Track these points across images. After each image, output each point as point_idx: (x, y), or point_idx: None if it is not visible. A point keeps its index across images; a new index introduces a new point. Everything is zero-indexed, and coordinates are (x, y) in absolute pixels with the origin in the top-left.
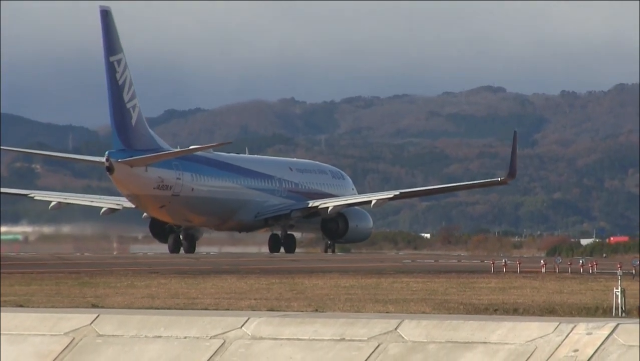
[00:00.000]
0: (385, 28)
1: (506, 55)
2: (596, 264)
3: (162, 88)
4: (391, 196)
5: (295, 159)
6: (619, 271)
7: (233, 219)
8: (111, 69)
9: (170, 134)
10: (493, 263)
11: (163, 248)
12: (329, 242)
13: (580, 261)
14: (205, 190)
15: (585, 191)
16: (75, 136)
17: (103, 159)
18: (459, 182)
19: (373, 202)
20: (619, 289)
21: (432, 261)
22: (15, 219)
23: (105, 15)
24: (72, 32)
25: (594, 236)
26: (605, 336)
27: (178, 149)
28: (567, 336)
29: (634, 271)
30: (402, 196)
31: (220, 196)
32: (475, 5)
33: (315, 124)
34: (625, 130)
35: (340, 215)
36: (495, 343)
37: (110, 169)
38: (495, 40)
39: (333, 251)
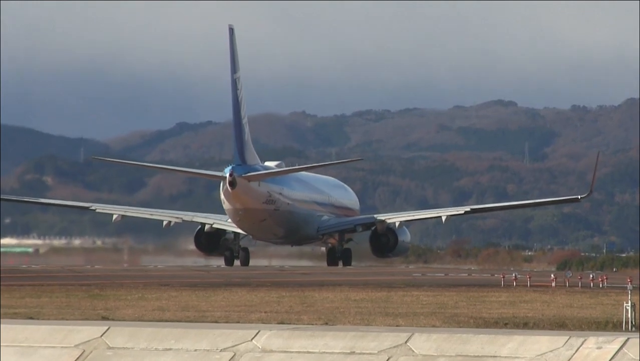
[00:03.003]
0: (395, 41)
1: (517, 69)
2: (606, 278)
3: (173, 101)
4: (462, 212)
5: (323, 176)
6: (629, 286)
7: (299, 232)
8: (234, 86)
9: (182, 147)
10: (503, 277)
11: (174, 261)
12: (337, 255)
13: (591, 275)
14: (295, 204)
15: (595, 205)
16: (87, 148)
17: (220, 174)
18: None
19: (444, 218)
20: (629, 304)
21: (442, 274)
22: (26, 231)
23: (232, 32)
24: (82, 43)
25: (605, 250)
26: (616, 350)
27: (297, 166)
28: (577, 351)
29: None
30: (473, 211)
31: (302, 211)
32: (485, 20)
33: (326, 137)
34: (635, 144)
35: (390, 230)
36: (505, 357)
37: (232, 183)
38: (506, 54)
39: (337, 264)
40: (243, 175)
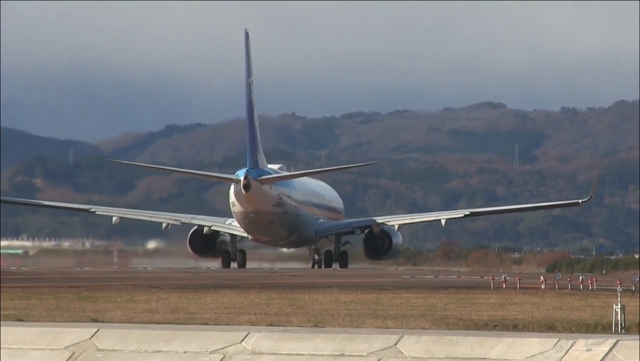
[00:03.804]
0: (385, 43)
1: (506, 71)
2: (596, 280)
3: (163, 103)
4: (461, 215)
5: (313, 179)
6: (618, 288)
7: (300, 234)
8: (248, 90)
9: (172, 149)
10: (493, 279)
11: (165, 263)
12: (316, 258)
13: (580, 278)
14: (299, 207)
15: (585, 208)
16: (77, 150)
17: (232, 176)
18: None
19: (443, 221)
20: (619, 306)
21: (432, 276)
22: (15, 233)
23: (247, 37)
24: (71, 46)
25: (594, 252)
26: (605, 352)
27: (310, 170)
28: (566, 353)
29: (633, 287)
30: (473, 215)
31: (304, 213)
32: (474, 22)
33: (316, 139)
34: (625, 146)
35: (385, 232)
36: (494, 359)
37: (247, 186)
38: (495, 56)
39: (319, 266)
40: (257, 178)
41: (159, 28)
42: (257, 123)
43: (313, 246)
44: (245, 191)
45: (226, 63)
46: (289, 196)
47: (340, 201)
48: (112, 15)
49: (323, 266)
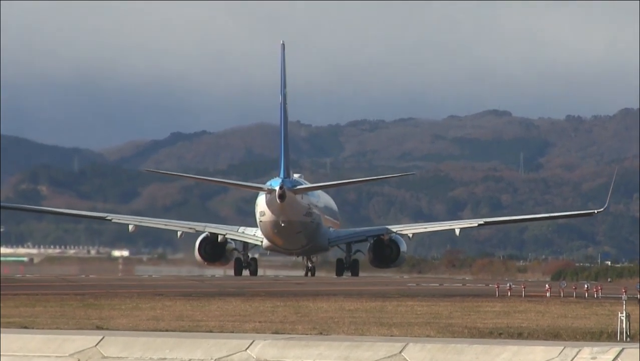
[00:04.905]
0: (390, 51)
1: (511, 79)
2: (601, 288)
3: (168, 111)
4: (475, 224)
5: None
6: (623, 296)
7: (317, 243)
8: (283, 101)
9: (176, 157)
10: (498, 287)
11: (170, 270)
12: (310, 265)
13: (585, 286)
14: (320, 216)
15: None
16: (81, 158)
17: (264, 186)
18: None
19: (457, 230)
20: (624, 314)
21: (437, 284)
22: (20, 241)
23: (283, 48)
24: (76, 54)
25: (599, 260)
26: (610, 360)
27: (341, 181)
28: None
29: (638, 295)
30: (487, 224)
31: (322, 223)
32: (479, 30)
33: (321, 147)
34: (630, 154)
35: (393, 241)
36: None
37: (282, 196)
38: (501, 64)
39: (313, 275)
40: (291, 188)
41: (164, 36)
42: (287, 134)
43: (305, 257)
44: (280, 201)
45: (231, 71)
46: (315, 206)
47: (337, 209)
48: (116, 23)
49: (335, 274)
